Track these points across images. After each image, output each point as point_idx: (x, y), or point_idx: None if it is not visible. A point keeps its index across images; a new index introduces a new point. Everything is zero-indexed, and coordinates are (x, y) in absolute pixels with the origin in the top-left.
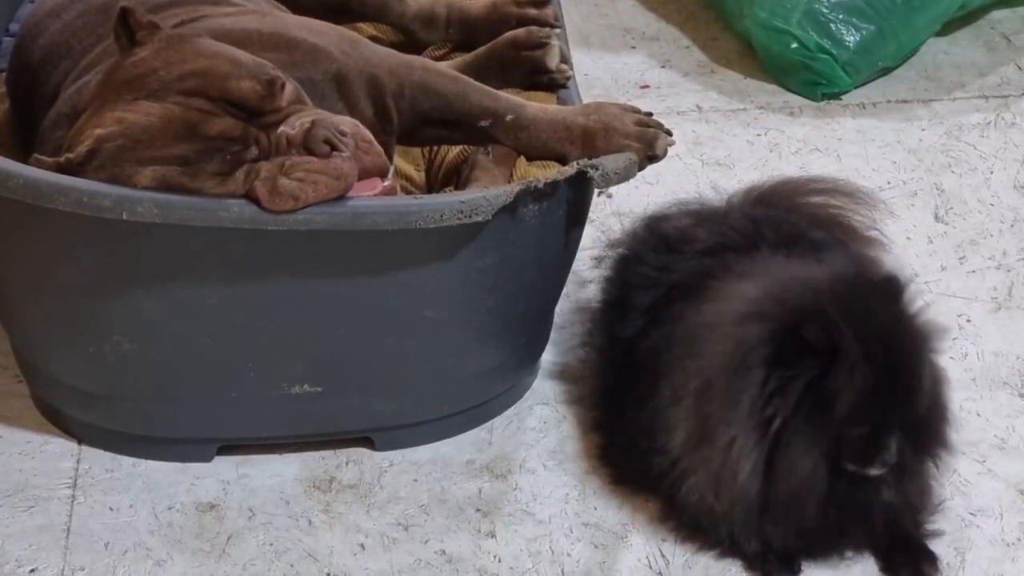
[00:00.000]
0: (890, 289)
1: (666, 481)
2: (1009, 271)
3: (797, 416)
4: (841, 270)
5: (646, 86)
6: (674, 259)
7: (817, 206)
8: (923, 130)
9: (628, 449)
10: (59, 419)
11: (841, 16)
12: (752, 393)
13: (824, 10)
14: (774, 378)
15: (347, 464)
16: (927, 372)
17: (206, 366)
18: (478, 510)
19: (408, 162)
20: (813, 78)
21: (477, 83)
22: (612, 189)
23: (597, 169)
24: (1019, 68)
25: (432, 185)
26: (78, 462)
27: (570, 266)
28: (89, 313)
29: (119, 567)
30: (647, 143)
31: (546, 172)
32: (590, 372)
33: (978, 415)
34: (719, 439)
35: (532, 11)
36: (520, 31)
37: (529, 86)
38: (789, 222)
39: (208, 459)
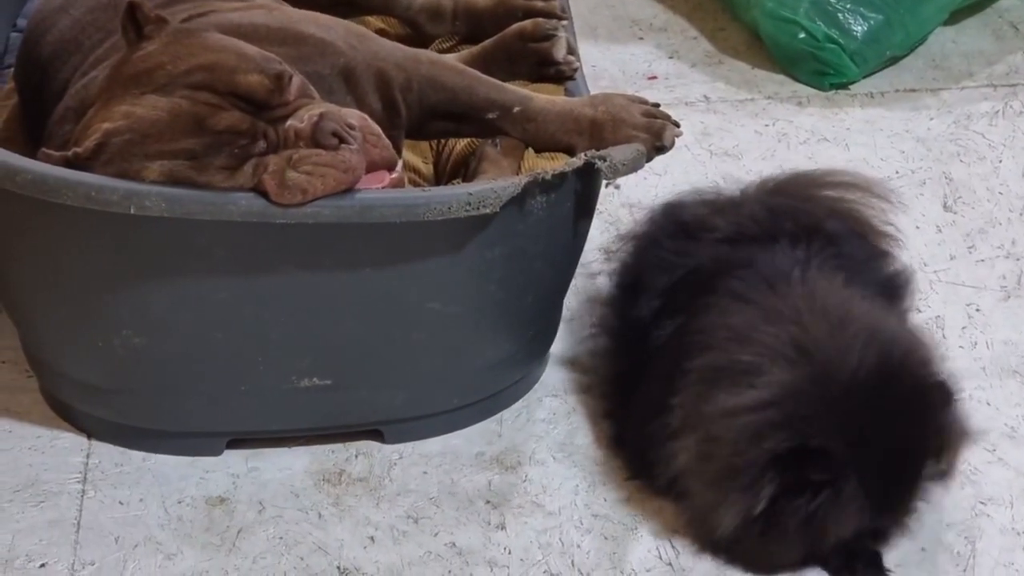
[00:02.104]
0: (922, 398)
1: (671, 488)
2: (1018, 260)
3: (786, 524)
4: (880, 361)
5: (654, 77)
6: (693, 244)
7: (832, 199)
8: (931, 119)
9: (637, 441)
10: (69, 414)
11: (849, 6)
12: (748, 485)
13: (831, 0)
14: (771, 485)
15: (357, 457)
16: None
17: (215, 360)
18: (488, 502)
19: (416, 155)
20: (821, 68)
21: (484, 76)
22: (620, 180)
23: (605, 160)
24: None
25: (440, 177)
26: (88, 457)
27: (578, 257)
28: (98, 308)
29: (129, 561)
30: (655, 134)
31: (554, 164)
32: (601, 359)
33: (988, 404)
34: (710, 494)
35: (539, 3)
36: (527, 23)
37: (536, 78)
38: (806, 212)
39: (218, 453)
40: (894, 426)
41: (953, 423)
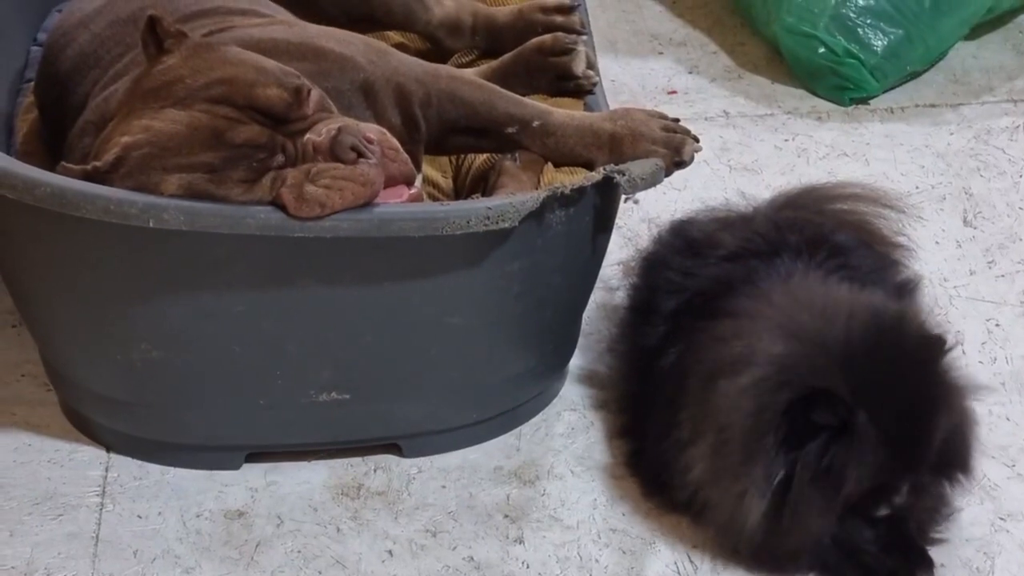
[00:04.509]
0: (921, 350)
1: (690, 503)
2: None
3: (806, 479)
4: (872, 320)
5: (673, 92)
6: (698, 264)
7: (844, 211)
8: (951, 134)
9: (654, 459)
10: (88, 427)
11: (869, 20)
12: (765, 458)
13: (852, 15)
14: (786, 446)
15: (375, 471)
16: (942, 429)
17: (234, 373)
18: (506, 516)
19: (435, 169)
20: (841, 83)
21: (503, 90)
22: (639, 195)
23: (624, 175)
24: None
25: (459, 192)
26: (107, 470)
27: (597, 272)
28: (117, 321)
29: (147, 575)
30: (674, 148)
31: (573, 178)
32: (615, 377)
33: (1007, 419)
34: (732, 488)
35: (558, 18)
36: (546, 37)
37: (556, 92)
38: (812, 225)
39: (236, 466)
40: (895, 372)
41: (952, 373)
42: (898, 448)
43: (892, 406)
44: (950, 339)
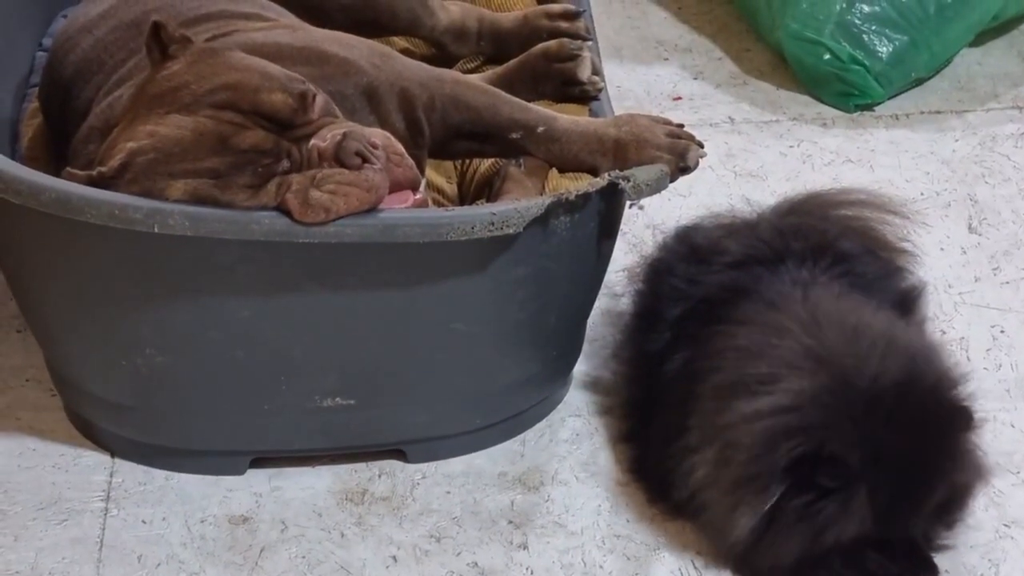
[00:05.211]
0: (946, 423)
1: (689, 502)
2: None
3: (792, 519)
4: (905, 370)
5: (679, 98)
6: (703, 271)
7: (849, 218)
8: (956, 141)
9: (656, 469)
10: (92, 432)
11: (874, 27)
12: (762, 483)
13: (857, 21)
14: (783, 483)
15: (380, 476)
16: (939, 499)
17: (238, 379)
18: (510, 522)
19: (440, 174)
20: (846, 89)
21: (508, 96)
22: (644, 201)
23: (629, 181)
24: None
25: (464, 197)
26: (111, 475)
27: (602, 278)
28: (121, 326)
29: None
30: (678, 154)
31: (578, 184)
32: (620, 383)
33: (1012, 426)
34: (727, 499)
35: (563, 24)
36: (552, 43)
37: (561, 98)
38: (817, 231)
39: (241, 472)
40: (910, 442)
41: (970, 451)
42: (890, 516)
43: (898, 478)
44: (978, 414)
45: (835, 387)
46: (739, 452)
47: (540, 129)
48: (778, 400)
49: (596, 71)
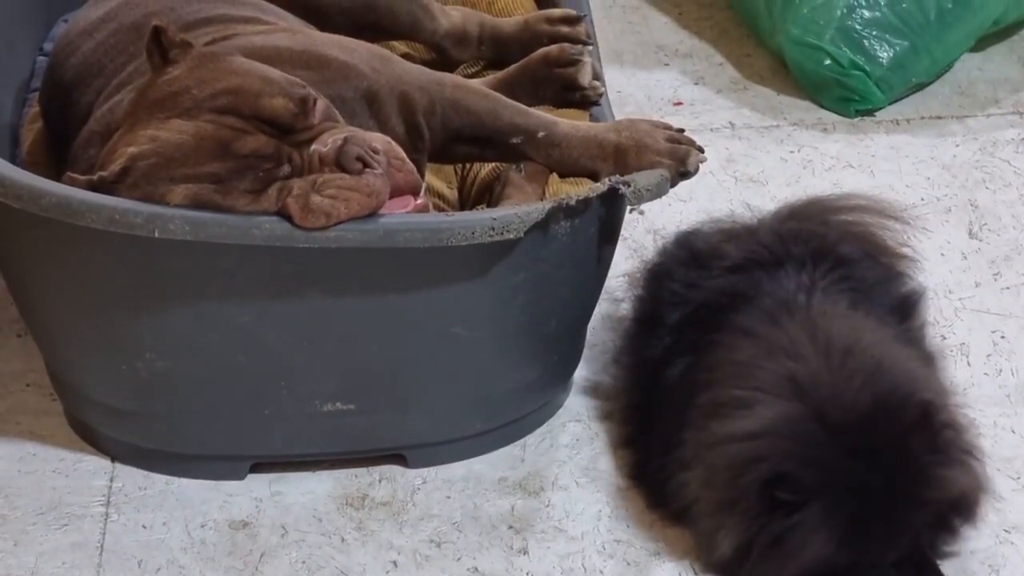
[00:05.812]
0: (914, 418)
1: (684, 511)
2: None
3: (766, 542)
4: (887, 395)
5: (679, 103)
6: (703, 275)
7: (849, 223)
8: (957, 146)
9: (655, 474)
10: (92, 437)
11: (874, 32)
12: (740, 506)
13: (857, 26)
14: (758, 507)
15: (380, 481)
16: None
17: (239, 383)
18: (511, 527)
19: (440, 179)
20: (846, 94)
21: (509, 100)
22: (644, 206)
23: (629, 186)
24: None
25: (464, 202)
26: (111, 480)
27: (602, 283)
28: (121, 331)
29: None
30: (679, 160)
31: (578, 189)
32: (620, 388)
33: (1012, 432)
34: (711, 520)
35: (564, 28)
36: (552, 48)
37: (561, 103)
38: (817, 237)
39: (241, 476)
40: (874, 467)
41: (960, 464)
42: (862, 541)
43: (860, 504)
44: (957, 436)
45: (805, 415)
46: (718, 475)
47: (540, 134)
48: (746, 425)
49: (597, 76)
